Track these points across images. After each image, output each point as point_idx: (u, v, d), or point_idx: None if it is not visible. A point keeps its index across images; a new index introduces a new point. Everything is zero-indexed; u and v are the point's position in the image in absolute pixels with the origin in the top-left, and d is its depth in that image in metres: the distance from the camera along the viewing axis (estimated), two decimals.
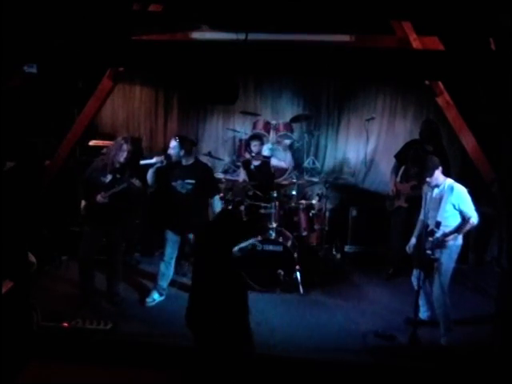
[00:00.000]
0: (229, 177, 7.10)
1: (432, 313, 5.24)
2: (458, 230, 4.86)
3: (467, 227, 4.85)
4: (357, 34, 6.02)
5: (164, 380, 4.37)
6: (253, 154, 6.65)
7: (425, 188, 5.13)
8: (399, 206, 6.29)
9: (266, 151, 7.05)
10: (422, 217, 5.11)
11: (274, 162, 6.86)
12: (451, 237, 4.85)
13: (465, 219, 4.84)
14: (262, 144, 6.80)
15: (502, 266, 5.24)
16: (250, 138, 6.86)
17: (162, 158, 5.48)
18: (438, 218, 4.86)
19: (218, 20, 5.33)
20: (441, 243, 4.85)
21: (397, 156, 6.47)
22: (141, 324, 5.25)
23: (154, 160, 5.49)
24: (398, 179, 6.45)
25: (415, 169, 6.17)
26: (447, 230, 4.86)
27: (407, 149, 6.36)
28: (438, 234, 4.87)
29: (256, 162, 6.70)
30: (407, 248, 5.22)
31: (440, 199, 4.92)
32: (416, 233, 5.20)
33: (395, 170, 6.47)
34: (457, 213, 4.87)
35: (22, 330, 4.55)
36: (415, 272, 5.14)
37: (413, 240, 5.19)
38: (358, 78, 7.15)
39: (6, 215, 4.86)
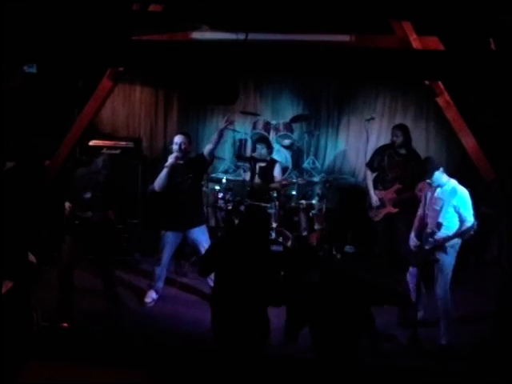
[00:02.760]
0: (229, 177, 7.10)
1: (425, 312, 5.25)
2: (460, 235, 4.84)
3: (469, 231, 4.81)
4: (357, 33, 6.03)
5: (164, 380, 4.37)
6: (256, 155, 6.66)
7: (425, 188, 5.12)
8: (387, 212, 6.24)
9: (275, 155, 7.06)
10: (419, 213, 5.13)
11: (277, 169, 6.79)
12: (454, 241, 4.85)
13: (462, 222, 4.83)
14: (269, 148, 6.76)
15: (502, 265, 5.24)
16: (257, 140, 6.85)
17: (175, 154, 5.39)
18: (440, 219, 4.84)
19: (218, 20, 5.33)
20: (441, 246, 4.84)
21: (369, 164, 6.41)
22: (141, 324, 5.25)
23: (171, 160, 5.40)
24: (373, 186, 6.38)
25: (393, 173, 6.17)
26: (447, 231, 4.85)
27: (380, 155, 6.29)
28: (439, 235, 4.86)
29: (262, 163, 6.71)
30: (410, 240, 5.16)
31: (442, 200, 4.89)
32: (415, 231, 5.17)
33: (370, 178, 6.41)
34: (456, 215, 4.86)
35: (22, 329, 4.55)
36: (412, 270, 5.14)
37: (414, 238, 5.14)
38: (358, 78, 7.14)
39: (6, 215, 4.86)
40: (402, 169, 6.11)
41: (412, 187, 5.81)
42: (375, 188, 6.34)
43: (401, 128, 6.22)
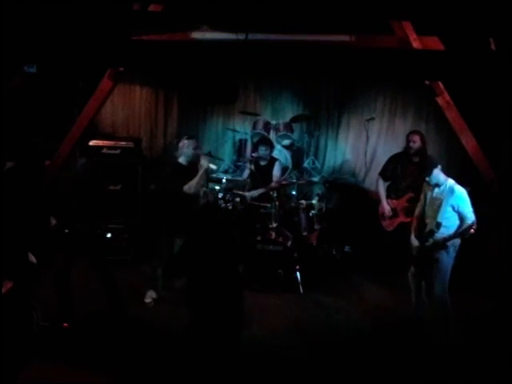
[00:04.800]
0: (229, 177, 7.11)
1: (424, 312, 5.26)
2: (461, 234, 4.84)
3: (470, 230, 4.81)
4: (357, 33, 6.02)
5: (164, 380, 4.37)
6: (256, 155, 6.68)
7: (424, 187, 5.12)
8: (400, 222, 6.20)
9: (275, 153, 7.07)
10: (417, 213, 5.14)
11: (276, 168, 6.81)
12: (455, 240, 4.86)
13: (462, 220, 4.83)
14: (271, 149, 6.77)
15: (502, 265, 5.25)
16: (258, 142, 6.85)
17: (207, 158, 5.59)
18: (439, 219, 4.85)
19: (219, 20, 5.33)
20: (442, 245, 4.85)
21: (382, 173, 6.32)
22: (141, 324, 5.25)
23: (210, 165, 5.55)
24: (385, 195, 6.31)
25: (406, 182, 6.14)
26: (446, 230, 4.86)
27: (393, 164, 6.22)
28: (438, 235, 4.86)
29: (263, 162, 6.73)
30: (412, 241, 5.14)
31: (440, 199, 4.91)
32: (414, 231, 5.17)
33: (383, 187, 6.34)
34: (455, 214, 4.87)
35: (22, 329, 4.55)
36: (413, 269, 5.15)
37: (415, 239, 5.14)
38: (358, 78, 7.15)
39: (6, 215, 4.86)
40: (415, 177, 6.04)
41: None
42: (388, 197, 6.27)
43: (419, 133, 6.14)
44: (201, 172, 5.49)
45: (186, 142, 5.57)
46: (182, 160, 5.58)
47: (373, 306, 5.78)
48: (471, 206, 4.84)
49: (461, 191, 4.88)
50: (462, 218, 4.84)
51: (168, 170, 5.70)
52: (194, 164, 5.59)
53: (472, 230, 4.78)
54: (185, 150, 5.54)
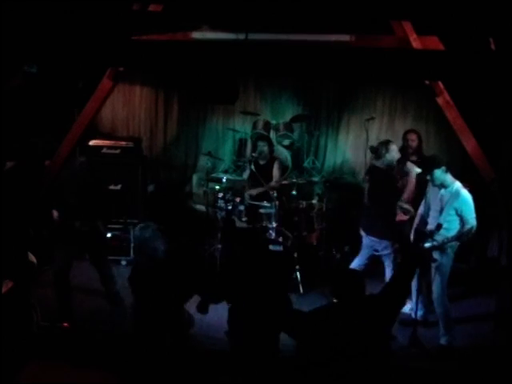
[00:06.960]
0: (229, 176, 7.11)
1: (425, 312, 5.25)
2: (460, 237, 4.84)
3: (468, 234, 4.81)
4: (357, 33, 6.02)
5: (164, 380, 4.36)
6: (256, 154, 6.67)
7: (429, 187, 5.10)
8: (399, 220, 6.17)
9: (277, 152, 7.06)
10: (420, 211, 5.14)
11: (276, 167, 6.80)
12: (453, 243, 4.86)
13: (463, 224, 4.82)
14: (270, 145, 6.78)
15: (502, 265, 5.25)
16: (257, 138, 6.86)
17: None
18: (440, 220, 4.84)
19: (219, 20, 5.34)
20: (440, 247, 4.84)
21: None
22: None
23: None
24: None
25: (403, 182, 6.14)
26: (446, 232, 4.85)
27: None
28: (438, 236, 4.85)
29: (263, 162, 6.72)
30: (412, 240, 5.15)
31: (445, 201, 4.88)
32: (416, 230, 5.17)
33: None
34: (457, 217, 4.85)
35: (22, 329, 4.55)
36: None
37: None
38: (358, 78, 7.14)
39: (6, 215, 4.86)
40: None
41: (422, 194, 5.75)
42: None
43: (416, 132, 6.19)
44: (413, 178, 5.49)
45: (392, 146, 5.48)
46: (380, 164, 5.50)
47: None
48: (474, 212, 4.83)
49: (466, 195, 4.84)
50: (463, 223, 4.83)
51: (381, 177, 5.54)
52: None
53: (470, 235, 4.78)
54: (392, 155, 5.45)
